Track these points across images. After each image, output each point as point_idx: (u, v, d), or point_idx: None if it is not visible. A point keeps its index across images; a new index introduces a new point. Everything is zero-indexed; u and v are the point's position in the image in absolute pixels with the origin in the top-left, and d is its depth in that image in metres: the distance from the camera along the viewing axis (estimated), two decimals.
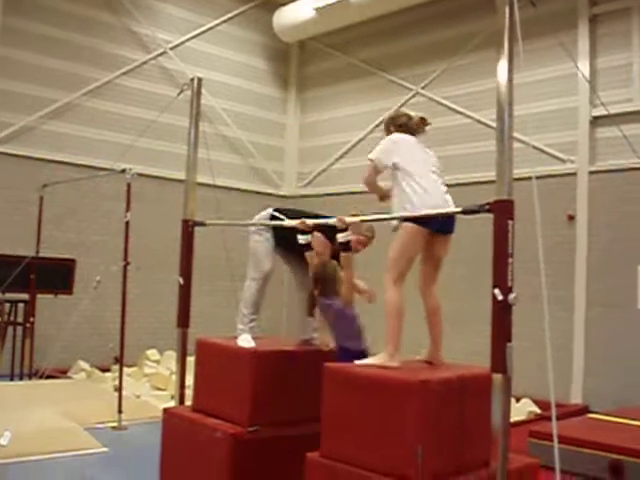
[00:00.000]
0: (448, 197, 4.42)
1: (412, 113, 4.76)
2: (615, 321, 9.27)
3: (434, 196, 4.35)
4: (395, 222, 4.44)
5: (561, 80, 10.03)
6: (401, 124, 4.76)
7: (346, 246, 4.69)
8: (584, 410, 8.81)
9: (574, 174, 9.87)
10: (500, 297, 3.49)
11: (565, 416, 7.19)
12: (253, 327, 5.41)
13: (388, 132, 4.81)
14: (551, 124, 10.04)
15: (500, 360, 3.50)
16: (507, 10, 3.70)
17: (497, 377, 3.53)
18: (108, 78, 11.63)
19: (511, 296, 3.50)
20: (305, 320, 5.56)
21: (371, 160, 4.55)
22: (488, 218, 3.68)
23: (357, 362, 4.34)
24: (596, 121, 9.75)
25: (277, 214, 5.48)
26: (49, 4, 10.99)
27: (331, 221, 4.76)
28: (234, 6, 13.43)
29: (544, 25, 8.09)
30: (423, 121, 4.75)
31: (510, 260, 3.52)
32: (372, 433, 3.87)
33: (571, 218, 9.79)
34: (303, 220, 5.04)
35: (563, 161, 9.98)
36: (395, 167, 4.41)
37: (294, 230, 5.11)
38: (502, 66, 3.70)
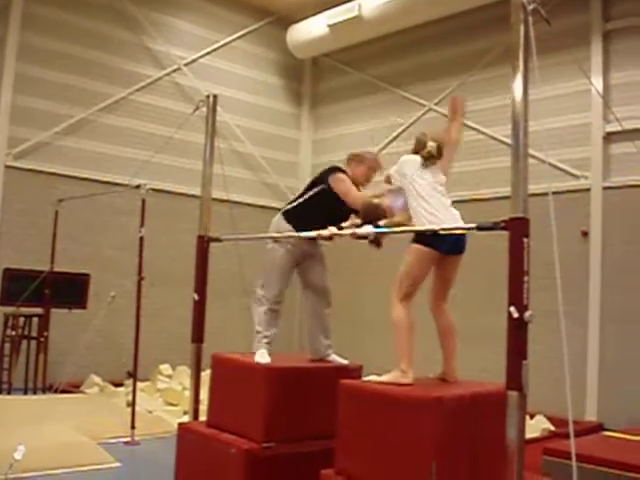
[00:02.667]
0: (457, 214, 4.41)
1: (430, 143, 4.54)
2: (630, 337, 9.20)
3: (444, 217, 4.33)
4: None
5: (574, 96, 10.01)
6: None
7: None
8: (599, 428, 8.74)
9: (588, 190, 9.83)
10: (516, 315, 3.48)
11: (580, 434, 7.11)
12: (269, 343, 5.36)
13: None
14: (564, 140, 10.01)
15: (516, 378, 3.49)
16: (522, 28, 3.71)
17: (513, 395, 3.51)
18: (123, 94, 11.71)
19: (527, 314, 3.48)
20: (319, 338, 5.56)
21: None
22: (501, 233, 3.67)
23: (370, 378, 4.35)
24: (610, 137, 9.74)
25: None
26: (65, 21, 11.09)
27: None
28: (248, 23, 13.51)
29: (557, 41, 8.01)
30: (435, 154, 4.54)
31: (526, 278, 3.51)
32: (386, 450, 3.87)
33: (585, 234, 9.75)
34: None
35: (577, 177, 9.95)
36: (408, 182, 4.44)
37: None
38: (517, 83, 3.70)
